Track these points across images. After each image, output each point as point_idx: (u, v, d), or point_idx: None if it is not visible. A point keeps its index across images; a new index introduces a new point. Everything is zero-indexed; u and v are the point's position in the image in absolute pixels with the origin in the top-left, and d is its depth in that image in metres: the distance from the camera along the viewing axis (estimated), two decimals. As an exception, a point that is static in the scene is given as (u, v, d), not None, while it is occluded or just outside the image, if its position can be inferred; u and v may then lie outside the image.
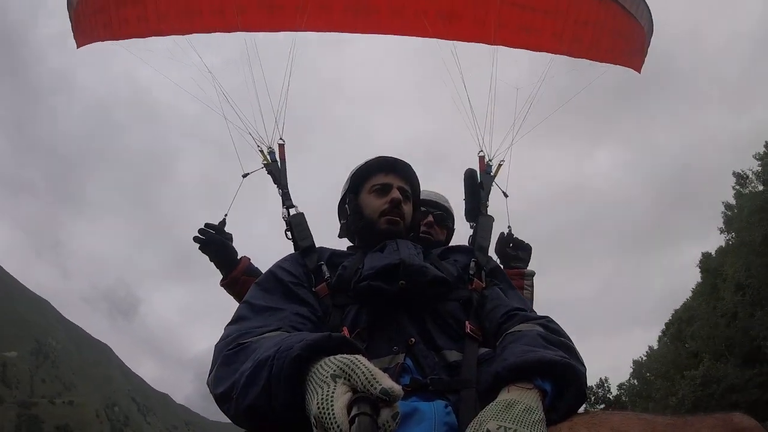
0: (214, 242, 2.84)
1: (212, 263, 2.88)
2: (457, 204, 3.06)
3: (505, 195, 3.04)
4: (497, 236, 3.17)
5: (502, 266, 3.07)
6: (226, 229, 2.95)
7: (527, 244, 3.17)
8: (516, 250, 3.13)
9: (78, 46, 3.97)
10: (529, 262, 3.17)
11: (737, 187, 32.66)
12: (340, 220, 2.38)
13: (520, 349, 1.48)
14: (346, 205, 2.25)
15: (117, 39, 3.77)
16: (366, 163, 2.24)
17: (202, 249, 2.86)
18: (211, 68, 3.17)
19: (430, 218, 2.95)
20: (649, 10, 4.45)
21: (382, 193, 2.13)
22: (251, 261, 2.92)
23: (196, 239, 2.84)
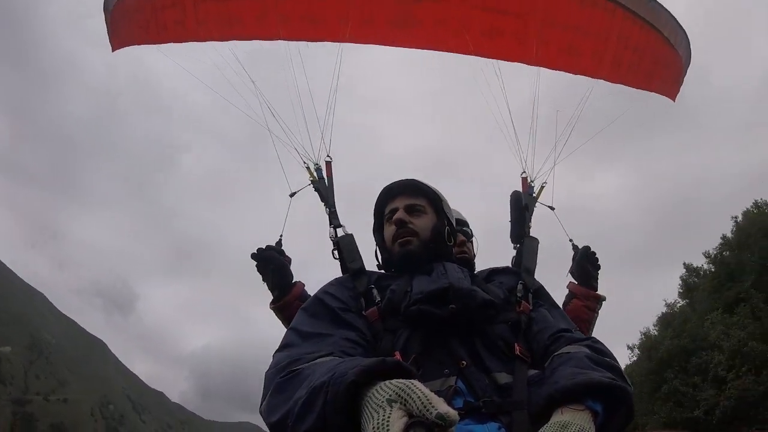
0: (275, 263, 2.73)
1: (265, 283, 2.79)
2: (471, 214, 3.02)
3: (551, 208, 3.03)
4: (578, 254, 3.12)
5: (578, 283, 3.05)
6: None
7: (599, 263, 3.12)
8: (595, 269, 3.08)
9: (113, 49, 3.95)
10: None
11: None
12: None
13: (570, 372, 1.50)
14: (376, 243, 2.26)
15: (153, 43, 3.74)
16: (378, 196, 2.24)
17: (260, 268, 2.77)
18: (255, 79, 3.11)
19: (462, 237, 2.88)
20: (688, 40, 4.42)
21: (392, 219, 2.13)
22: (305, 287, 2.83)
23: (255, 257, 2.75)
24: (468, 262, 2.72)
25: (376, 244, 2.23)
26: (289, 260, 2.82)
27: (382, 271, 2.18)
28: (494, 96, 3.39)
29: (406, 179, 2.20)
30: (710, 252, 28.56)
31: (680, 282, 31.01)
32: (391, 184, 2.20)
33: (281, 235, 2.89)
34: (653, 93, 4.46)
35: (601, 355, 1.65)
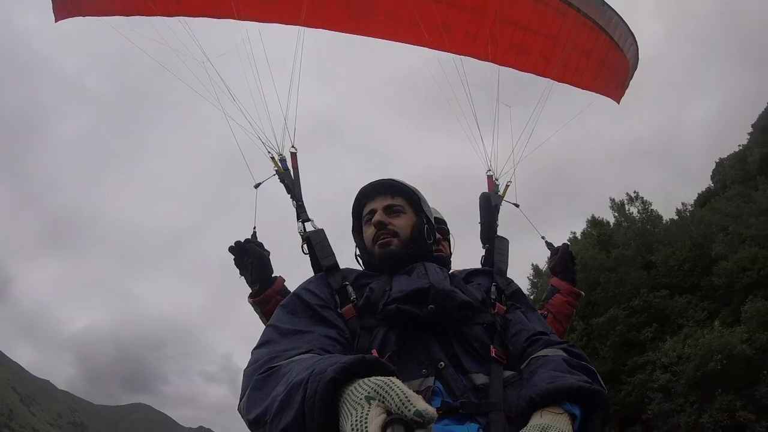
0: (256, 255, 2.67)
1: (243, 277, 2.72)
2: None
3: (516, 205, 3.10)
4: (560, 251, 3.25)
5: (562, 279, 3.18)
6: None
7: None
8: (574, 265, 3.23)
9: (56, 20, 3.79)
10: None
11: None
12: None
13: (549, 375, 1.55)
14: (355, 244, 2.25)
15: (100, 15, 3.62)
16: (355, 197, 2.22)
17: (238, 261, 2.71)
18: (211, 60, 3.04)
19: (438, 235, 2.92)
20: (636, 45, 4.59)
21: (370, 221, 2.12)
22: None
23: (234, 251, 2.69)
24: (444, 260, 2.75)
25: (356, 246, 2.22)
26: (268, 253, 2.77)
27: (360, 268, 2.16)
28: (458, 100, 3.41)
29: (383, 179, 2.18)
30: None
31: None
32: (368, 184, 2.18)
33: (255, 228, 2.83)
34: (598, 94, 4.62)
35: (577, 358, 1.70)
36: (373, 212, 2.11)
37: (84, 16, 3.71)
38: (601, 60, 4.43)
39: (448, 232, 3.01)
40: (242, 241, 2.71)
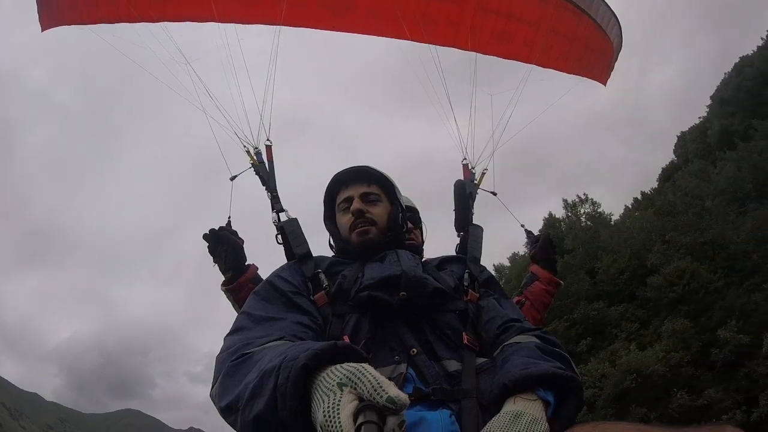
0: (230, 243, 2.69)
1: (216, 265, 2.75)
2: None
3: (494, 194, 3.10)
4: (540, 240, 3.26)
5: (543, 267, 3.19)
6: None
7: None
8: (555, 253, 3.24)
9: (43, 29, 3.83)
10: None
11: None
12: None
13: (522, 361, 1.54)
14: (328, 231, 2.20)
15: (84, 23, 3.65)
16: (329, 183, 2.20)
17: (212, 249, 2.73)
18: (190, 60, 3.08)
19: (409, 225, 2.84)
20: (620, 28, 4.60)
21: (347, 209, 2.10)
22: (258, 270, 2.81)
23: (208, 238, 2.71)
24: (416, 248, 2.73)
25: (329, 233, 2.21)
26: (242, 241, 2.79)
27: (332, 256, 2.16)
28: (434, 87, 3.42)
29: (358, 166, 2.15)
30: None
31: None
32: (343, 171, 2.15)
33: (229, 217, 2.85)
34: (584, 78, 4.63)
35: (551, 345, 1.70)
36: (349, 200, 2.10)
37: (69, 24, 3.75)
38: (585, 43, 4.44)
39: (420, 220, 3.02)
40: (216, 228, 2.73)
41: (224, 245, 2.70)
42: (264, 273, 2.64)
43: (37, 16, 3.80)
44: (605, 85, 4.83)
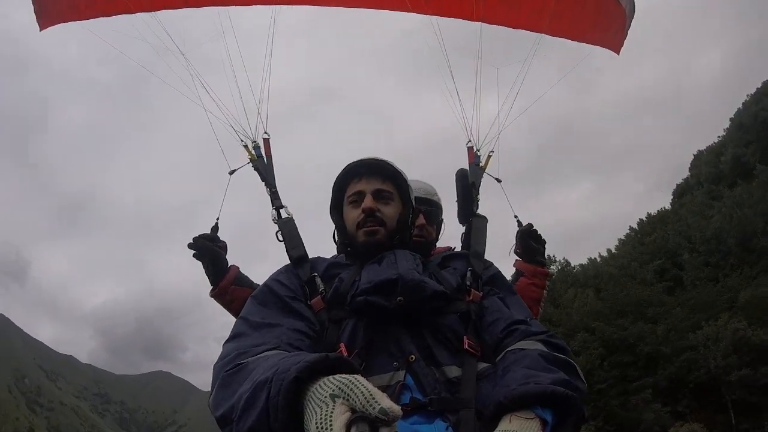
0: (206, 252, 2.72)
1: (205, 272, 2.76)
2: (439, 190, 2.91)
3: (498, 180, 2.92)
4: (519, 232, 3.04)
5: (525, 260, 2.97)
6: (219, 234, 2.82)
7: (544, 239, 3.05)
8: (539, 244, 3.01)
9: (41, 29, 3.73)
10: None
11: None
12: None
13: (522, 374, 1.49)
14: (333, 222, 2.16)
15: (82, 19, 3.53)
16: (341, 172, 2.10)
17: (197, 257, 2.75)
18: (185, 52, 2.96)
19: (422, 219, 2.66)
20: (631, -10, 4.36)
21: (357, 203, 2.02)
22: (240, 269, 2.79)
23: (191, 247, 2.73)
24: (426, 245, 2.61)
25: (335, 224, 2.14)
26: (224, 245, 2.79)
27: (332, 257, 2.10)
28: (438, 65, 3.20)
29: (375, 159, 2.06)
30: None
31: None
32: (358, 162, 2.06)
33: (217, 219, 2.81)
34: (596, 46, 4.40)
35: (556, 350, 1.64)
36: (360, 194, 2.01)
37: (67, 22, 3.66)
38: (597, 9, 4.22)
39: (439, 216, 2.84)
40: (197, 237, 2.75)
41: (203, 254, 2.73)
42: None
43: (34, 16, 3.68)
44: (618, 53, 4.60)
